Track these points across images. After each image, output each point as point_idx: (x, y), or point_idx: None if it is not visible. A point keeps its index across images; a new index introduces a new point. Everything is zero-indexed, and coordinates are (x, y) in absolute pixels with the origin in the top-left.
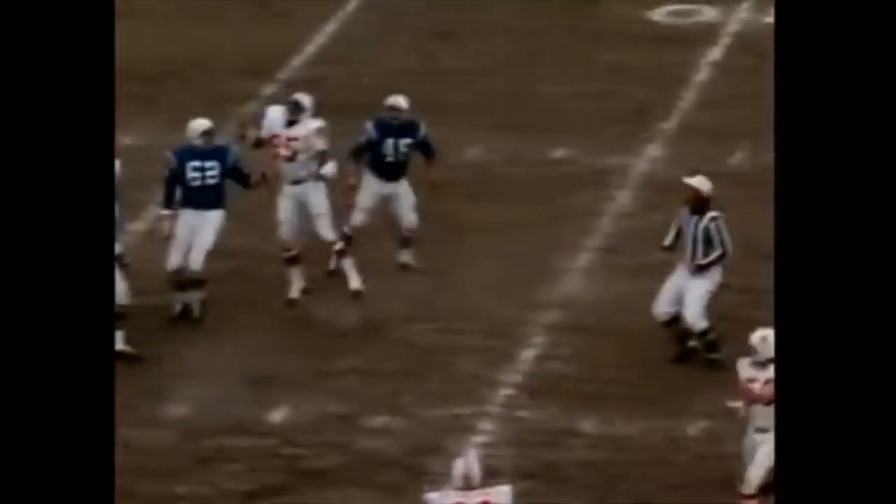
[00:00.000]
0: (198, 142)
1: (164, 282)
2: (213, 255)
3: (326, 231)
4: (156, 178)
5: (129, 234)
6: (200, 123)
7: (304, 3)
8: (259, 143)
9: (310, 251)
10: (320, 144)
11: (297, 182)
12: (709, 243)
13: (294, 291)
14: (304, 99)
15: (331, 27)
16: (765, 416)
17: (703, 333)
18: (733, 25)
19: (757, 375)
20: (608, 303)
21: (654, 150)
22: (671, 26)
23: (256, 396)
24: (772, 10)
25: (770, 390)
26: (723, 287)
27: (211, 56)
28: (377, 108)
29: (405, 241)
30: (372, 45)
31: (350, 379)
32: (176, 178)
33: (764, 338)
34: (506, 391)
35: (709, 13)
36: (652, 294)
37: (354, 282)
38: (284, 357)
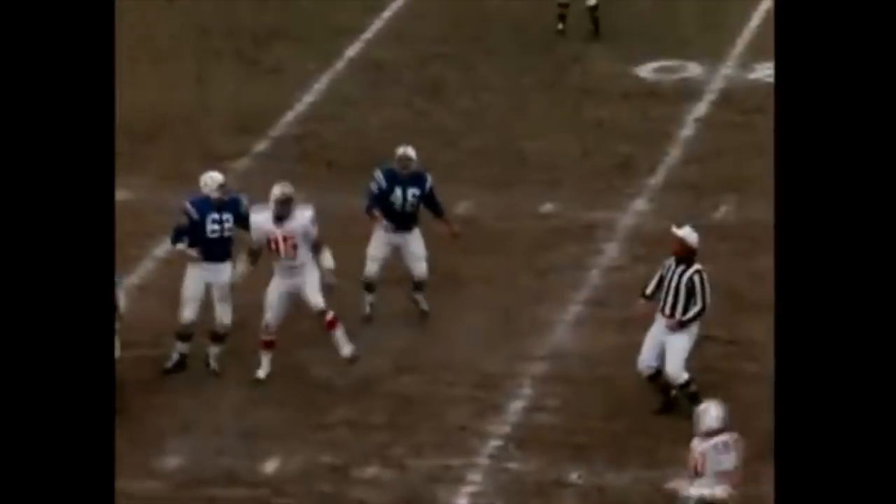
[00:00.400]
0: (214, 194)
1: (157, 334)
2: (206, 307)
3: (318, 299)
4: (148, 233)
5: (120, 288)
6: (216, 176)
7: (295, 61)
8: (255, 256)
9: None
10: (314, 232)
11: (291, 270)
12: (690, 296)
13: (262, 373)
14: (287, 189)
15: (321, 85)
16: (701, 484)
17: (684, 386)
18: (718, 82)
19: (699, 446)
20: (596, 354)
21: (640, 205)
22: (657, 82)
23: (249, 448)
24: (756, 67)
25: (704, 462)
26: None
27: (202, 113)
28: (368, 164)
29: (418, 286)
30: (362, 103)
31: (340, 430)
32: (194, 229)
33: (705, 409)
34: (495, 442)
35: (694, 70)
36: (638, 346)
37: (346, 349)
38: (276, 409)
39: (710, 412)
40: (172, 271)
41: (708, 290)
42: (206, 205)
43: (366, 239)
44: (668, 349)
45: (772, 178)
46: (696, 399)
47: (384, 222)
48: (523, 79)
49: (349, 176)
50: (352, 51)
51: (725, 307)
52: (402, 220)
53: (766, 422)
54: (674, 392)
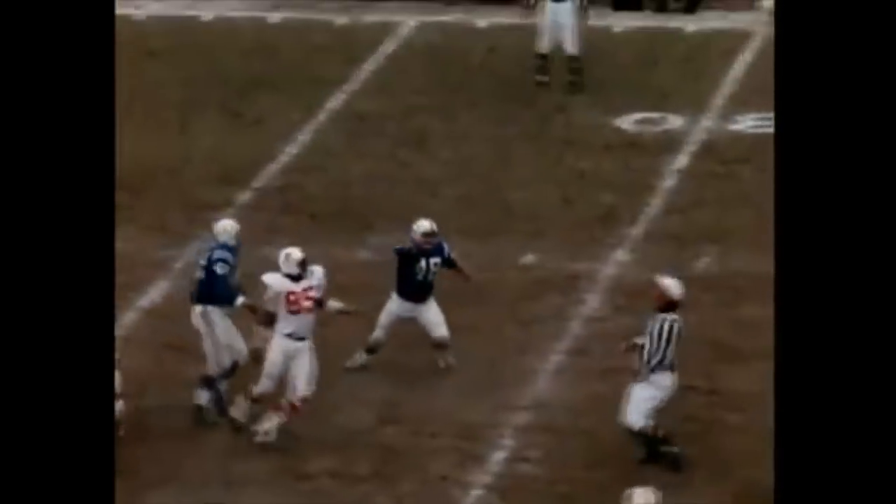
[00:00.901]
0: (233, 242)
1: (141, 384)
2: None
3: (303, 386)
4: (132, 284)
5: None
6: (233, 224)
7: (277, 113)
8: (271, 319)
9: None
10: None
11: (299, 339)
12: (667, 344)
13: (241, 415)
14: (297, 251)
15: (303, 136)
16: None
17: (641, 434)
18: (698, 133)
19: None
20: (578, 405)
21: (621, 255)
22: (638, 134)
23: (233, 498)
24: (736, 118)
25: None
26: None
27: (186, 164)
28: (351, 215)
29: (440, 345)
30: (344, 154)
31: (324, 481)
32: (233, 274)
33: (629, 495)
34: (477, 493)
35: (675, 121)
36: (620, 396)
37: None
38: (259, 459)
39: (634, 499)
40: (156, 323)
41: (673, 340)
42: (231, 250)
43: (350, 287)
44: (630, 397)
45: (754, 228)
46: (658, 445)
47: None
48: (506, 129)
49: (332, 227)
50: (334, 102)
51: (707, 357)
52: (420, 291)
53: (747, 472)
54: (662, 448)
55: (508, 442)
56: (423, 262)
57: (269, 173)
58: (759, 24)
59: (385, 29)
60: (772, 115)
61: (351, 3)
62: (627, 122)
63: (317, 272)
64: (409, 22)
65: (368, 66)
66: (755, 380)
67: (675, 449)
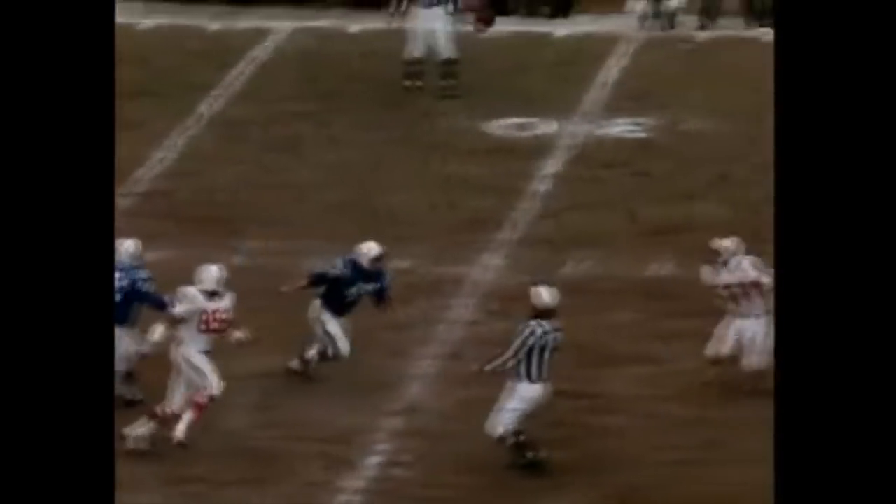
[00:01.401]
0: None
1: None
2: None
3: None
4: None
5: None
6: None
7: (151, 118)
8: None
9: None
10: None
11: (206, 352)
12: (517, 351)
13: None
14: (216, 269)
15: (177, 142)
16: None
17: (501, 441)
18: (570, 138)
19: None
20: (449, 409)
21: (493, 260)
22: (509, 138)
23: None
24: (608, 123)
25: None
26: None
27: None
28: (223, 220)
29: (331, 357)
30: (217, 159)
31: (195, 486)
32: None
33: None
34: (349, 497)
35: (546, 126)
36: (491, 401)
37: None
38: (133, 464)
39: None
40: None
41: (534, 349)
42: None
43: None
44: (498, 404)
45: (626, 233)
46: (523, 449)
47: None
48: (378, 135)
49: (205, 232)
50: (208, 108)
51: (578, 362)
52: (346, 308)
53: (616, 476)
54: (527, 454)
55: (381, 447)
56: (359, 286)
57: (142, 179)
58: (629, 28)
59: (258, 34)
60: (643, 119)
61: (224, 10)
62: (499, 126)
63: (228, 297)
64: (282, 27)
65: (241, 72)
66: (626, 384)
67: (541, 454)
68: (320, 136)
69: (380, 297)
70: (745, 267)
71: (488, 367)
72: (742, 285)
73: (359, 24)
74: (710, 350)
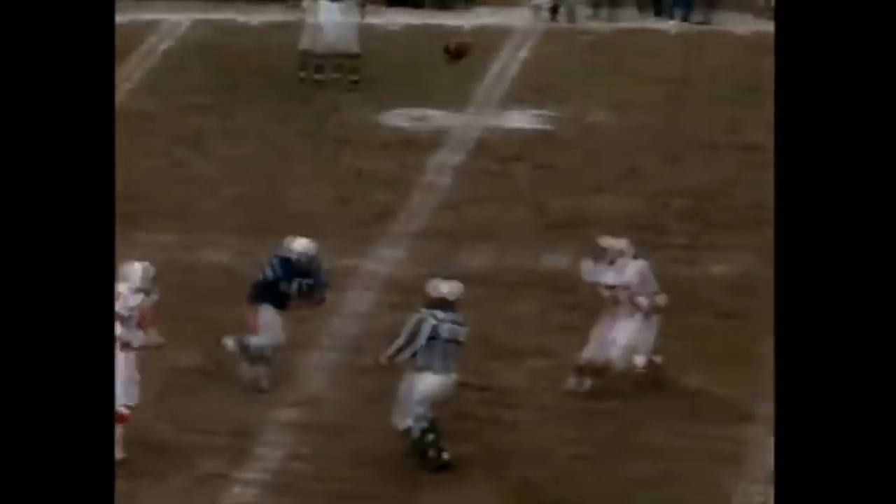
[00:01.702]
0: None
1: None
2: None
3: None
4: None
5: None
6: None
7: None
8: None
9: None
10: None
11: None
12: (408, 339)
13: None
14: (151, 266)
15: None
16: None
17: (406, 434)
18: (472, 131)
19: None
20: (350, 401)
21: (396, 253)
22: (412, 131)
23: None
24: (510, 115)
25: None
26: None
27: None
28: (129, 215)
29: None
30: (119, 153)
31: None
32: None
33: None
34: (250, 490)
35: (449, 119)
36: (390, 393)
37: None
38: None
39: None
40: None
41: (422, 338)
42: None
43: None
44: (398, 396)
45: (527, 225)
46: (426, 448)
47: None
48: (279, 128)
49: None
50: None
51: (480, 354)
52: (285, 302)
53: (521, 469)
54: (430, 450)
55: (279, 439)
56: (296, 284)
57: None
58: (531, 20)
59: (159, 27)
60: (545, 111)
61: (124, 3)
62: (402, 119)
63: (152, 295)
64: (182, 20)
65: (143, 65)
66: (528, 377)
67: (445, 456)
68: (225, 130)
69: (316, 291)
70: (629, 272)
71: (382, 358)
72: (625, 288)
73: (260, 15)
74: (587, 353)
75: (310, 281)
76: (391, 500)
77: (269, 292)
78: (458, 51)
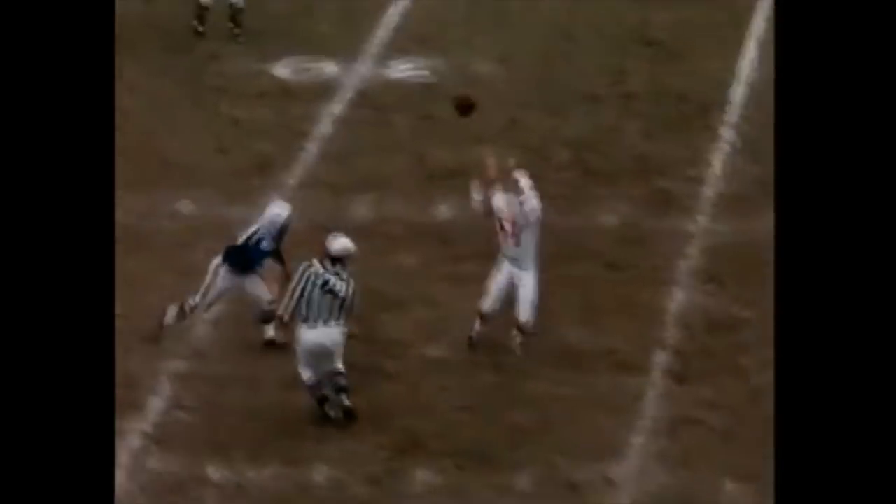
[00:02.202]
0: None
1: None
2: None
3: None
4: None
5: None
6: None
7: None
8: None
9: None
10: None
11: None
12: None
13: None
14: None
15: None
16: None
17: (307, 386)
18: (354, 80)
19: None
20: (236, 353)
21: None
22: (293, 81)
23: None
24: (393, 65)
25: None
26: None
27: None
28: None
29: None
30: None
31: None
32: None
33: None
34: (134, 440)
35: (330, 68)
36: (279, 343)
37: None
38: None
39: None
40: None
41: (304, 291)
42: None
43: None
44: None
45: (408, 175)
46: (322, 401)
47: None
48: (162, 79)
49: None
50: None
51: (364, 305)
52: (250, 267)
53: (405, 420)
54: (325, 404)
55: (166, 390)
56: (263, 246)
57: None
58: None
59: None
60: (428, 62)
61: None
62: (281, 69)
63: None
64: None
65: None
66: (411, 328)
67: (330, 412)
68: None
69: (279, 255)
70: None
71: (280, 311)
72: (511, 222)
73: None
74: (485, 305)
75: (274, 245)
76: (276, 451)
77: (235, 251)
78: (463, 105)
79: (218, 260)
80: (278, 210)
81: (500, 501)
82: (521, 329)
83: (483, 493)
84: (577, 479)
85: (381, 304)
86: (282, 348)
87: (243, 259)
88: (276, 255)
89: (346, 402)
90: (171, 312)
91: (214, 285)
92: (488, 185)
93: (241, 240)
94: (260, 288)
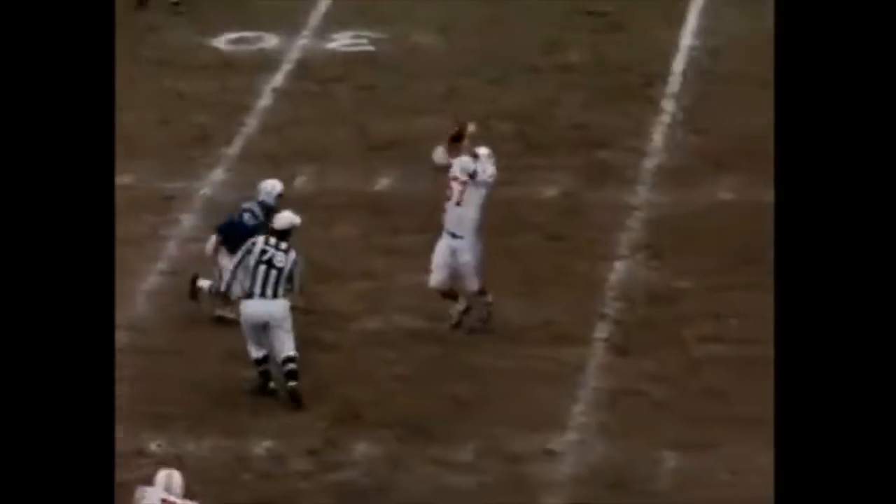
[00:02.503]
0: (271, 201)
1: None
2: None
3: None
4: None
5: None
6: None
7: None
8: None
9: None
10: None
11: None
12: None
13: None
14: None
15: None
16: None
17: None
18: (294, 52)
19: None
20: (174, 325)
21: (218, 175)
22: (233, 53)
23: None
24: (332, 37)
25: None
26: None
27: None
28: None
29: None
30: None
31: None
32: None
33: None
34: None
35: (270, 40)
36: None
37: None
38: None
39: (175, 478)
40: None
41: (241, 264)
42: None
43: None
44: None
45: (349, 147)
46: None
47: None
48: None
49: None
50: None
51: (305, 277)
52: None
53: (343, 389)
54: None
55: None
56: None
57: None
58: None
59: None
60: (368, 33)
61: None
62: (222, 41)
63: None
64: None
65: None
66: (350, 299)
67: (272, 386)
68: None
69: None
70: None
71: (223, 287)
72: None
73: None
74: (432, 281)
75: (265, 222)
76: (214, 423)
77: (230, 229)
78: (456, 135)
79: (213, 239)
80: (269, 187)
81: (439, 473)
82: (480, 295)
83: (423, 464)
84: (518, 450)
85: (321, 276)
86: (229, 325)
87: (233, 235)
88: (265, 231)
89: (293, 385)
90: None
91: (219, 263)
92: (455, 148)
93: (232, 216)
94: None
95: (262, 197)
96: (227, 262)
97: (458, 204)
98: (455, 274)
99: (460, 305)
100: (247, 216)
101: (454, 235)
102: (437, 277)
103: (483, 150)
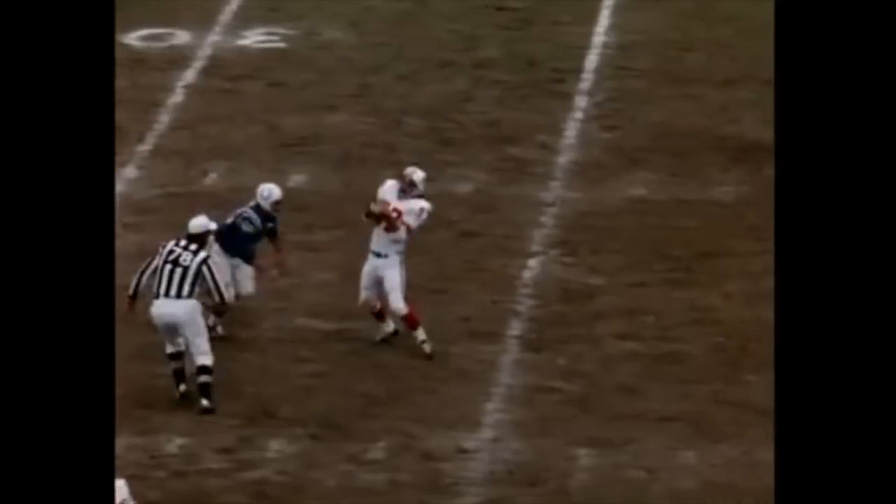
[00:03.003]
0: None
1: None
2: None
3: None
4: None
5: None
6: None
7: None
8: None
9: None
10: None
11: None
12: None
13: None
14: None
15: None
16: None
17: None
18: (206, 49)
19: None
20: None
21: (129, 172)
22: (145, 49)
23: None
24: (244, 34)
25: None
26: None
27: None
28: None
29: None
30: None
31: None
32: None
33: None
34: None
35: (182, 37)
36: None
37: None
38: None
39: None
40: None
41: (150, 267)
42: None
43: None
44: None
45: (260, 144)
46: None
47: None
48: None
49: None
50: None
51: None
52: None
53: (254, 388)
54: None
55: None
56: (254, 230)
57: None
58: None
59: None
60: (279, 29)
61: None
62: (133, 37)
63: None
64: None
65: None
66: (264, 298)
67: (182, 389)
68: None
69: (272, 235)
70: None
71: (131, 291)
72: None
73: None
74: (361, 298)
75: (268, 226)
76: (128, 421)
77: (228, 234)
78: (378, 216)
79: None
80: (266, 193)
81: (354, 471)
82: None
83: (337, 462)
84: (432, 448)
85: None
86: (223, 340)
87: (230, 240)
88: (270, 236)
89: (205, 404)
90: (212, 320)
91: (219, 270)
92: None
93: (228, 220)
94: (245, 278)
95: (258, 202)
96: (223, 261)
97: (388, 232)
98: (382, 293)
99: (388, 328)
100: (245, 225)
101: (378, 255)
102: (365, 296)
103: (419, 175)
